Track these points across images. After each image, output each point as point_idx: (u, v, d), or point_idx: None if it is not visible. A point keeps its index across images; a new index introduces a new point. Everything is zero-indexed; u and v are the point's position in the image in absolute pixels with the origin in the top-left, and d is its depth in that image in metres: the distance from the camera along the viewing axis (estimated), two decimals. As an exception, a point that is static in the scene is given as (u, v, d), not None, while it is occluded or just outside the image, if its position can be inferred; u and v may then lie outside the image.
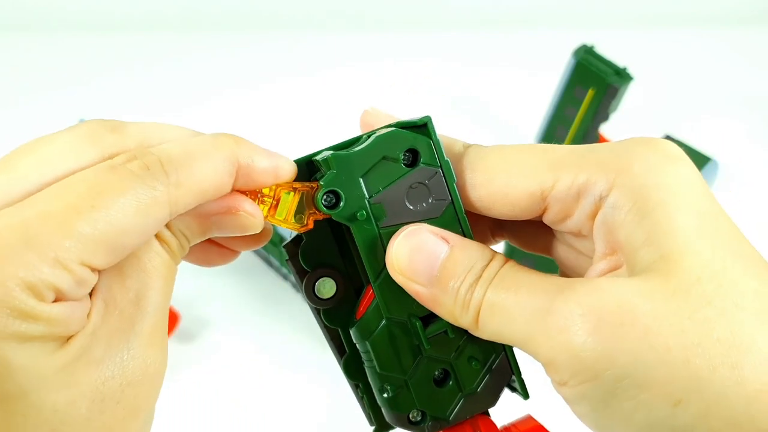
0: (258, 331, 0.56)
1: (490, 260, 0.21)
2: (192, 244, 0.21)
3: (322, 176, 0.22)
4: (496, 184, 0.21)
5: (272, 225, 0.23)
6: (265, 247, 0.56)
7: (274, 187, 0.21)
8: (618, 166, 0.19)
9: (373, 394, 0.24)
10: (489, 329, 0.20)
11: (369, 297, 0.23)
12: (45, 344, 0.17)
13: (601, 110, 0.69)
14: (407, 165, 0.22)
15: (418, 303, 0.22)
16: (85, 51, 1.07)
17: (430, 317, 0.23)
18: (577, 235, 0.22)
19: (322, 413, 0.49)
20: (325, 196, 0.21)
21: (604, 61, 0.69)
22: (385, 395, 0.23)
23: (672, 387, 0.17)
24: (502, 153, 0.22)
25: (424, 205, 0.22)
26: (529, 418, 0.26)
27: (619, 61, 0.69)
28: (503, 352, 0.24)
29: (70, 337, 0.18)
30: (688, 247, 0.18)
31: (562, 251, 0.24)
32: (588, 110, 0.70)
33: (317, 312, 0.24)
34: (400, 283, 0.22)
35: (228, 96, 0.94)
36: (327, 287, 0.23)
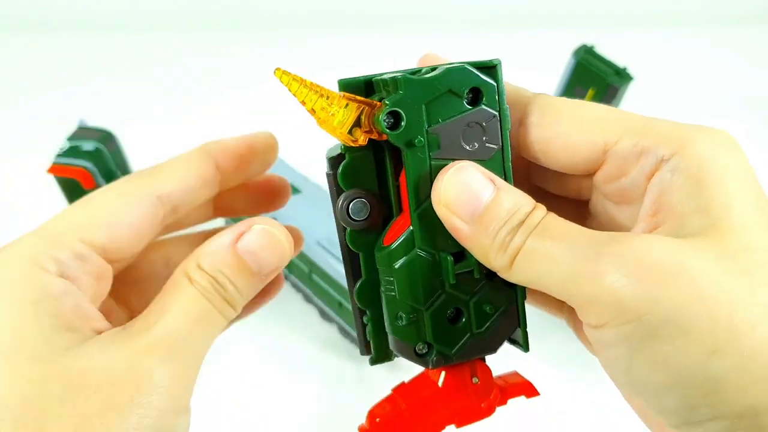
0: (258, 331, 0.55)
1: (534, 208, 0.21)
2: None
3: (384, 97, 0.22)
4: (562, 129, 0.22)
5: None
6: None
7: (334, 94, 0.21)
8: (683, 138, 0.20)
9: (378, 323, 0.24)
10: (523, 274, 0.20)
11: (401, 226, 0.23)
12: None
13: (601, 110, 0.69)
14: (468, 103, 0.22)
15: (451, 239, 0.22)
16: (85, 51, 1.07)
17: (457, 256, 0.23)
18: (620, 200, 0.22)
19: (323, 413, 0.49)
20: (386, 116, 0.21)
21: (604, 61, 0.69)
22: (399, 323, 0.23)
23: (712, 337, 0.17)
24: (572, 103, 0.22)
25: (476, 145, 0.22)
26: (516, 374, 0.27)
27: (619, 61, 0.69)
28: (515, 303, 0.24)
29: None
30: (741, 220, 0.19)
31: (598, 217, 0.24)
32: (588, 110, 0.70)
33: (343, 232, 0.23)
34: (441, 216, 0.22)
35: (228, 96, 0.94)
36: (361, 208, 0.23)
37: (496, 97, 0.22)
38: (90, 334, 0.21)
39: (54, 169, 0.54)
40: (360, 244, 0.24)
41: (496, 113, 0.22)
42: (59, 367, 0.20)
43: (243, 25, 1.16)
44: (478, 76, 0.22)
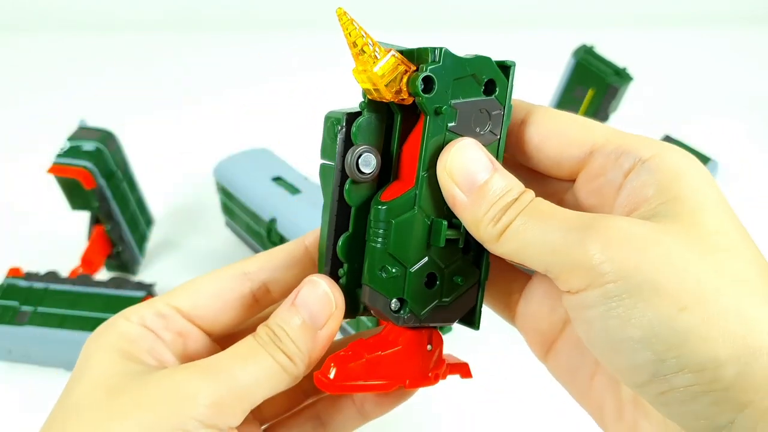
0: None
1: (524, 191, 0.23)
2: None
3: (421, 64, 0.24)
4: (558, 128, 0.25)
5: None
6: (263, 246, 0.56)
7: (382, 48, 0.23)
8: (659, 146, 0.23)
9: (354, 278, 0.25)
10: (510, 245, 0.23)
11: (401, 187, 0.25)
12: None
13: (601, 110, 0.69)
14: (483, 92, 0.25)
15: (447, 208, 0.24)
16: (85, 51, 1.07)
17: (448, 224, 0.25)
18: (595, 200, 0.25)
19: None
20: (422, 81, 0.23)
21: (603, 62, 0.69)
22: (382, 274, 0.24)
23: (681, 296, 0.20)
24: (568, 113, 0.26)
25: (478, 130, 0.25)
26: (452, 356, 0.29)
27: (619, 61, 0.69)
28: (478, 282, 0.26)
29: None
30: (706, 209, 0.22)
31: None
32: (588, 110, 0.70)
33: (340, 185, 0.25)
34: (442, 184, 0.24)
35: (228, 96, 0.94)
36: (370, 162, 0.25)
37: (506, 93, 0.25)
38: (150, 361, 0.25)
39: (54, 169, 0.54)
40: (356, 197, 0.25)
41: (502, 107, 0.25)
42: (121, 385, 0.24)
43: (243, 25, 1.16)
44: (498, 70, 0.25)
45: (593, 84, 0.69)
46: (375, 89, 0.24)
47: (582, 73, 0.70)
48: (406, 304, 0.25)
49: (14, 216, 0.69)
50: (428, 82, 0.23)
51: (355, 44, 0.23)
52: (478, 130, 0.25)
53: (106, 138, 0.58)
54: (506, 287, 0.28)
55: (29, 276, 0.53)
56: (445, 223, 0.25)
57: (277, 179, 0.57)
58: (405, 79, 0.23)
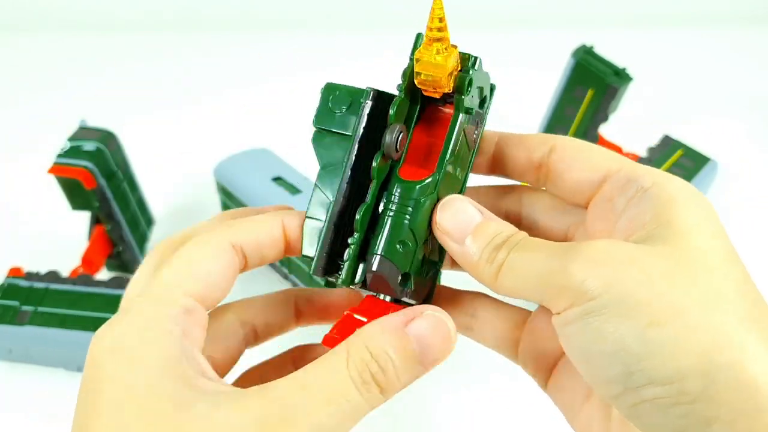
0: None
1: (515, 232, 0.25)
2: None
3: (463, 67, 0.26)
4: (579, 156, 0.27)
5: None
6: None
7: (453, 46, 0.25)
8: (664, 176, 0.25)
9: (364, 248, 0.26)
10: (508, 282, 0.24)
11: (417, 171, 0.26)
12: None
13: (600, 110, 0.69)
14: (479, 104, 0.28)
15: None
16: (85, 51, 1.07)
17: None
18: (601, 224, 0.26)
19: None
20: (468, 81, 0.25)
21: (603, 62, 0.69)
22: (402, 248, 0.26)
23: (654, 311, 0.21)
24: (588, 143, 0.28)
25: (472, 135, 0.27)
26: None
27: (619, 61, 0.69)
28: (437, 269, 0.28)
29: None
30: (700, 235, 0.22)
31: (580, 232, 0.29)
32: (587, 110, 0.70)
33: (358, 155, 0.26)
34: (439, 239, 0.26)
35: (228, 95, 0.94)
36: (403, 140, 0.26)
37: (488, 110, 0.29)
38: (203, 389, 0.21)
39: (55, 170, 0.54)
40: (381, 173, 0.26)
41: (484, 122, 0.28)
42: (177, 425, 0.20)
43: (243, 25, 1.16)
44: (492, 89, 0.29)
45: (593, 84, 0.69)
46: (428, 75, 0.25)
47: (581, 74, 0.70)
48: (410, 278, 0.26)
49: (15, 216, 0.69)
50: (470, 84, 0.26)
51: (440, 29, 0.24)
52: (472, 135, 0.27)
53: (107, 138, 0.58)
54: (509, 329, 0.29)
55: (30, 276, 0.54)
56: None
57: (277, 179, 0.57)
58: (453, 76, 0.25)
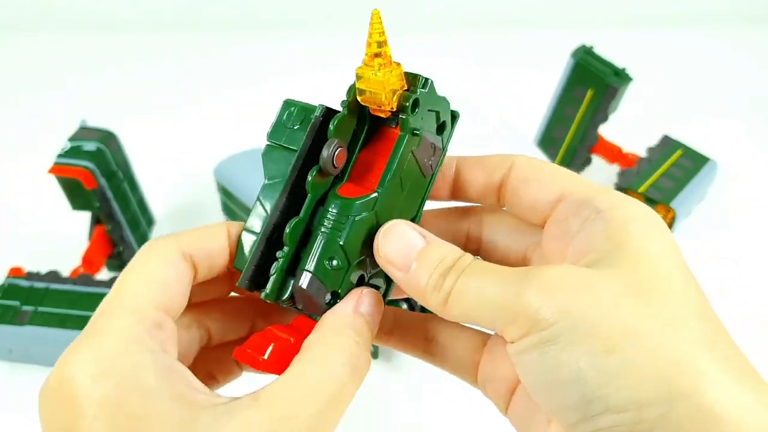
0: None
1: (461, 256, 0.24)
2: None
3: (411, 87, 0.26)
4: (533, 176, 0.27)
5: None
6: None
7: (395, 63, 0.25)
8: (620, 199, 0.24)
9: (293, 263, 0.26)
10: (458, 309, 0.23)
11: (357, 189, 0.26)
12: None
13: (600, 110, 0.69)
14: (436, 129, 0.27)
15: (396, 216, 0.26)
16: (85, 51, 1.07)
17: None
18: (555, 245, 0.26)
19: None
20: (411, 101, 0.25)
21: (603, 62, 0.69)
22: (329, 265, 0.25)
23: (608, 339, 0.20)
24: (545, 162, 0.27)
25: (426, 161, 0.27)
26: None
27: (619, 61, 0.69)
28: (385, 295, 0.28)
29: None
30: (654, 258, 0.22)
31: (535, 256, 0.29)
32: (587, 110, 0.70)
33: (301, 169, 0.26)
34: (382, 266, 0.25)
35: (227, 95, 0.94)
36: (341, 157, 0.26)
37: (449, 137, 0.28)
38: (200, 404, 0.21)
39: (55, 170, 0.54)
40: (317, 188, 0.26)
41: (443, 149, 0.28)
42: None
43: (243, 25, 1.16)
44: (450, 115, 0.28)
45: (592, 84, 0.69)
46: (372, 92, 0.24)
47: (581, 74, 0.70)
48: (339, 298, 0.26)
49: (15, 216, 0.69)
50: (416, 103, 0.25)
51: (379, 45, 0.24)
52: (426, 161, 0.27)
53: (107, 138, 0.58)
54: (469, 353, 0.28)
55: (30, 276, 0.54)
56: None
57: (278, 179, 0.57)
58: (397, 95, 0.25)
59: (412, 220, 0.28)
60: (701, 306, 0.22)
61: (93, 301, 0.51)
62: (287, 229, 0.25)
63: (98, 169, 0.55)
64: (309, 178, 0.25)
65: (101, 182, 0.55)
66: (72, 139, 0.57)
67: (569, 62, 0.71)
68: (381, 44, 0.24)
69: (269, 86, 0.96)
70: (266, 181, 0.26)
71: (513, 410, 0.27)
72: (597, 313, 0.20)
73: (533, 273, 0.22)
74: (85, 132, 0.58)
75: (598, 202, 0.24)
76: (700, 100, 0.93)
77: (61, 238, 0.64)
